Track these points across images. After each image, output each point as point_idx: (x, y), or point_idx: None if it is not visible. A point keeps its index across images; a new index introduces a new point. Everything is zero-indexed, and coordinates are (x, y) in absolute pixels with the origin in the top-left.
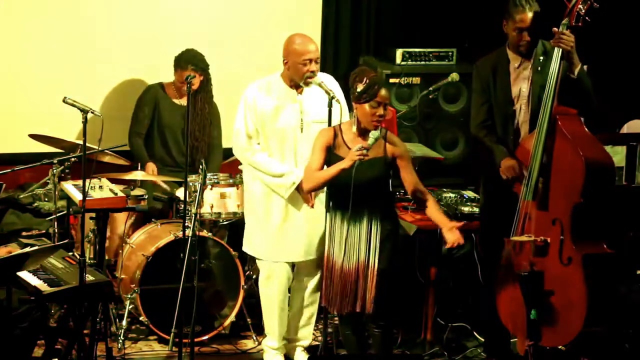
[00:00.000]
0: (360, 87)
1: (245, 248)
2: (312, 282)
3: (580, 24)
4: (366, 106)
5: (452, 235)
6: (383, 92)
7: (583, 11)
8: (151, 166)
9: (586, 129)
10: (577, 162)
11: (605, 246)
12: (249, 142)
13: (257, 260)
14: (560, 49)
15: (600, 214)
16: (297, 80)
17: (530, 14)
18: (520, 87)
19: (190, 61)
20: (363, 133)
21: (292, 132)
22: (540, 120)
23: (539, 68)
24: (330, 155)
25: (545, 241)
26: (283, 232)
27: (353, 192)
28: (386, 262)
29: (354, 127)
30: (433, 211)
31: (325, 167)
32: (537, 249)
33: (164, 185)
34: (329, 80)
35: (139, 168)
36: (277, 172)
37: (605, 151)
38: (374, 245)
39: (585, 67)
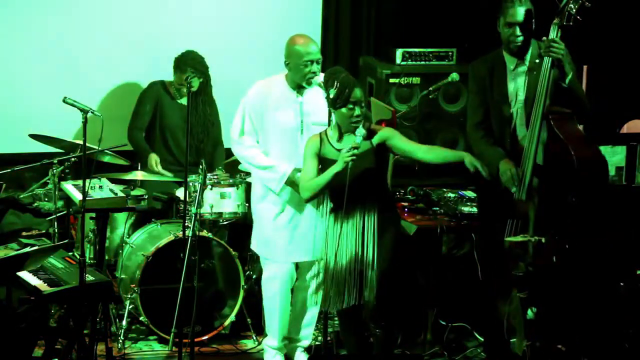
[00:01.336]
0: (332, 94)
1: (253, 247)
2: (315, 283)
3: (571, 23)
4: (343, 110)
5: (469, 159)
6: (356, 92)
7: (574, 10)
8: (154, 157)
9: (579, 128)
10: (570, 162)
11: (601, 246)
12: (242, 137)
13: (261, 260)
14: (550, 58)
15: (594, 213)
16: (298, 81)
17: (520, 9)
18: (517, 89)
19: (189, 63)
20: (346, 133)
21: (293, 134)
22: (533, 122)
23: (534, 71)
24: (322, 162)
25: (540, 241)
26: (290, 233)
27: (345, 190)
28: (386, 262)
29: (335, 132)
30: (441, 155)
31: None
32: (533, 249)
33: (167, 174)
34: None
35: (139, 166)
36: (266, 165)
37: (598, 150)
38: (367, 238)
39: (584, 67)
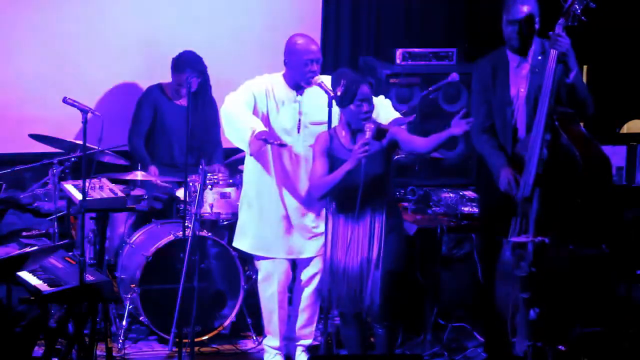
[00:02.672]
0: (339, 92)
1: (236, 244)
2: (314, 282)
3: (576, 23)
4: (351, 107)
5: (457, 127)
6: (363, 89)
7: (579, 11)
8: (153, 169)
9: (583, 129)
10: (574, 162)
11: (603, 246)
12: (237, 94)
13: (255, 260)
14: (556, 51)
15: (597, 213)
16: (297, 80)
17: (523, 7)
18: (519, 87)
19: (188, 63)
20: (356, 133)
21: (290, 132)
22: (537, 121)
23: (537, 69)
24: (331, 160)
25: (543, 241)
26: (284, 229)
27: (356, 190)
28: (392, 263)
29: (344, 130)
30: (436, 140)
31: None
32: (535, 249)
33: (165, 185)
34: (329, 81)
35: (139, 167)
36: (241, 118)
37: (602, 151)
38: (377, 240)
39: (585, 67)
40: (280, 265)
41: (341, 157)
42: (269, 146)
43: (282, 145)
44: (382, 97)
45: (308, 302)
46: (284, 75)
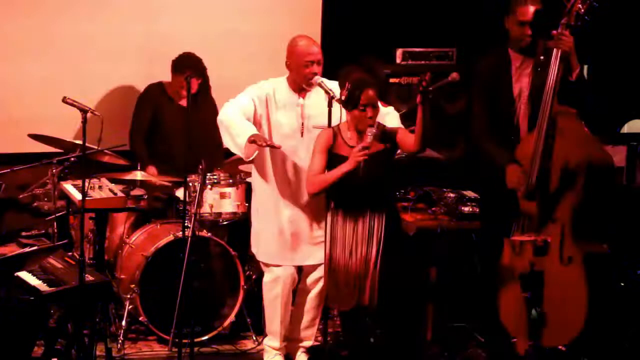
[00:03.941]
0: (343, 97)
1: (253, 250)
2: (318, 285)
3: (579, 23)
4: (355, 112)
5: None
6: (368, 93)
7: (582, 11)
8: (152, 169)
9: (586, 129)
10: (577, 162)
11: (605, 246)
12: (235, 101)
13: (261, 263)
14: (559, 50)
15: (600, 213)
16: (299, 82)
17: (531, 7)
18: (521, 86)
19: (187, 65)
20: (360, 132)
21: (293, 136)
22: (540, 120)
23: (539, 68)
24: (332, 156)
25: (546, 241)
26: (289, 236)
27: (356, 189)
28: (391, 263)
29: (348, 129)
30: (417, 132)
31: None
32: (537, 249)
33: (164, 184)
34: (330, 83)
35: (139, 166)
36: (235, 124)
37: (604, 151)
38: (376, 240)
39: (585, 66)
40: (287, 269)
41: (343, 155)
42: (268, 152)
43: (273, 146)
44: (391, 108)
45: (311, 304)
46: (288, 79)
